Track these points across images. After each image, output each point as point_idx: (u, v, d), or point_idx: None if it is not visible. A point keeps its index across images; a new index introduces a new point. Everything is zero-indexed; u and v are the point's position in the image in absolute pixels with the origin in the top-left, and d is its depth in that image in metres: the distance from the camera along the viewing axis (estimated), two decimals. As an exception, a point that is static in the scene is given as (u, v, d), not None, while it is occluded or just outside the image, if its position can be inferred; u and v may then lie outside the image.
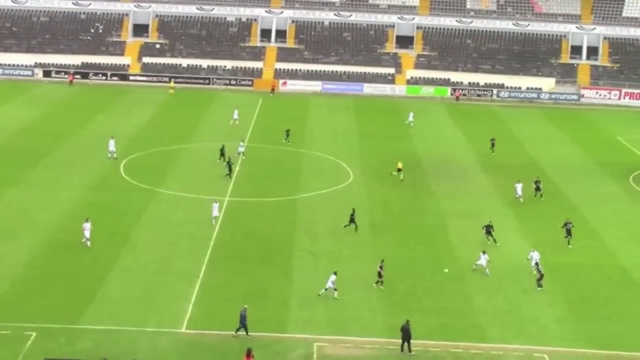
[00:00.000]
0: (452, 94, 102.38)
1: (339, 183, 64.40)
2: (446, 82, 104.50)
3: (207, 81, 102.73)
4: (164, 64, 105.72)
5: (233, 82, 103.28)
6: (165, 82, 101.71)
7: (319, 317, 41.88)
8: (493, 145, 75.58)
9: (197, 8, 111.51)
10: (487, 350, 39.54)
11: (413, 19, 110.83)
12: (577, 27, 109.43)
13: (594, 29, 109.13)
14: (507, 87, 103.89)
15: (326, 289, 43.94)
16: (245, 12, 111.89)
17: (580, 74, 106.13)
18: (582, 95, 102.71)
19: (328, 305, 43.25)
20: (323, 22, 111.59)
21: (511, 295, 45.37)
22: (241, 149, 69.65)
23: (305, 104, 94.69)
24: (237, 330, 39.35)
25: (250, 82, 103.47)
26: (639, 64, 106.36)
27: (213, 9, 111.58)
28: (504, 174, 68.52)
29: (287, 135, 75.38)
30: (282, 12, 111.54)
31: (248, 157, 69.48)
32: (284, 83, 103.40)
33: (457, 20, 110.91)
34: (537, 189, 61.73)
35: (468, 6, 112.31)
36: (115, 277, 45.31)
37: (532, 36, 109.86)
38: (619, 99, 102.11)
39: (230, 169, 63.82)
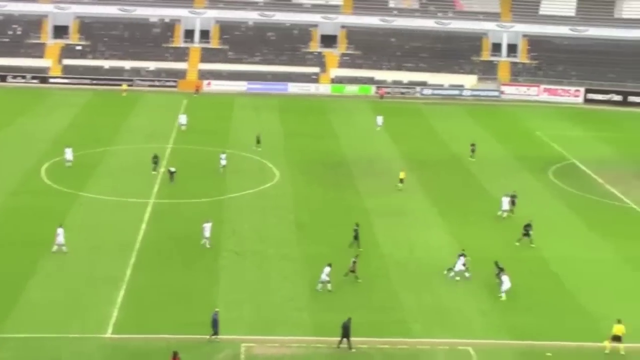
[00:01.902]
0: (376, 92, 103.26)
1: (264, 183, 64.41)
2: (370, 81, 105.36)
3: (130, 83, 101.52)
4: (85, 66, 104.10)
5: (157, 83, 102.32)
6: (86, 84, 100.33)
7: (245, 317, 41.86)
8: (473, 151, 73.93)
9: (119, 9, 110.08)
10: (413, 345, 40.06)
11: (337, 18, 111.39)
12: (497, 25, 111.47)
13: (513, 26, 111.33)
14: (430, 85, 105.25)
15: (322, 282, 44.28)
16: (168, 13, 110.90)
17: (500, 71, 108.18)
18: (503, 92, 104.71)
19: (255, 306, 43.28)
20: (247, 22, 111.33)
21: (436, 290, 46.03)
22: (223, 162, 66.43)
23: (230, 104, 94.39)
24: (213, 334, 39.20)
25: (174, 83, 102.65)
26: (557, 61, 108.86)
27: (135, 9, 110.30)
28: (428, 170, 69.47)
29: (258, 140, 74.26)
30: (205, 13, 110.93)
31: (174, 158, 68.81)
32: (209, 84, 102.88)
33: (380, 19, 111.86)
34: (512, 203, 59.25)
35: (391, 5, 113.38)
36: (38, 283, 44.50)
37: (453, 34, 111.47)
38: (538, 95, 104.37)
39: (171, 175, 62.93)
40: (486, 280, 47.33)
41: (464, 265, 47.46)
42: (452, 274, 47.40)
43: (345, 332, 39.18)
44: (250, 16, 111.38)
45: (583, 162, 74.36)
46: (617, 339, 39.78)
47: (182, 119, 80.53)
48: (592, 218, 59.01)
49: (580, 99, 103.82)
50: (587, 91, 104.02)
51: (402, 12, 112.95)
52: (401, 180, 64.10)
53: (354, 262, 46.44)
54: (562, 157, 76.36)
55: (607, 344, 40.01)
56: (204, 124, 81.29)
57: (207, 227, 50.67)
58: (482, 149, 76.10)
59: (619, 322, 40.21)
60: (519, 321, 42.85)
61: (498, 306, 44.31)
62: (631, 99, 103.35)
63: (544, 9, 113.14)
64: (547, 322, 42.95)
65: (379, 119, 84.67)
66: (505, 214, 58.45)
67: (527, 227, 53.53)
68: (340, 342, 39.30)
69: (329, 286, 44.67)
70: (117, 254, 48.88)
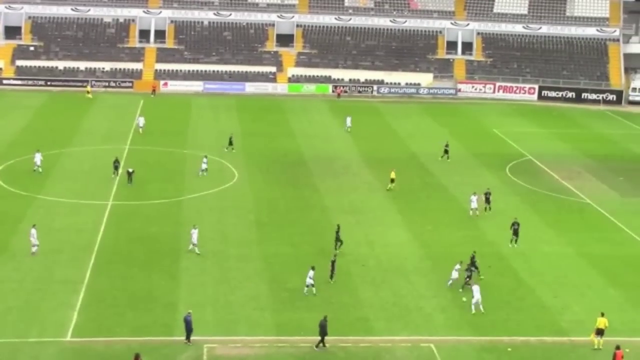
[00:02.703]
0: (333, 91, 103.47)
1: (224, 183, 64.18)
2: (327, 80, 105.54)
3: (85, 84, 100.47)
4: (39, 67, 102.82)
5: (113, 83, 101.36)
6: (40, 85, 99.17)
7: (207, 318, 41.67)
8: (447, 152, 73.31)
9: (72, 9, 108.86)
10: (375, 343, 40.22)
11: (293, 17, 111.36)
12: (451, 23, 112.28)
13: (468, 24, 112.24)
14: (387, 83, 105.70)
15: (307, 286, 44.00)
16: (122, 13, 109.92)
17: (456, 68, 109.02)
18: (459, 90, 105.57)
19: (216, 306, 43.13)
20: (202, 22, 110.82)
21: (396, 288, 46.25)
22: (204, 165, 65.44)
23: (187, 104, 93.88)
24: (187, 337, 38.93)
25: (130, 84, 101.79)
26: (511, 59, 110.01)
27: (89, 10, 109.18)
28: (386, 168, 69.71)
29: (230, 142, 73.64)
30: (160, 12, 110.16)
31: (131, 159, 68.18)
32: (165, 84, 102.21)
33: (336, 18, 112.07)
34: (487, 200, 59.82)
35: (346, 4, 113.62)
36: (-5, 288, 43.93)
37: (409, 33, 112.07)
38: (494, 92, 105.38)
39: (129, 176, 62.38)
40: (446, 277, 47.64)
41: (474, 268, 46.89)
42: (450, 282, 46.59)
43: (323, 331, 39.22)
44: (206, 16, 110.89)
45: (539, 159, 75.28)
46: (600, 332, 40.30)
47: (140, 121, 79.73)
48: (549, 214, 59.77)
49: (535, 96, 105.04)
50: (542, 88, 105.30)
51: (358, 11, 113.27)
52: (392, 180, 63.96)
53: (333, 262, 46.32)
54: (518, 153, 77.21)
55: (593, 338, 40.41)
56: (161, 125, 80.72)
57: (195, 233, 49.97)
58: (440, 147, 76.57)
59: (602, 315, 40.72)
60: (480, 317, 43.20)
61: (458, 302, 44.63)
62: (584, 95, 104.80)
63: (498, 7, 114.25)
64: (508, 317, 43.39)
65: (348, 120, 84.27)
66: (477, 212, 58.65)
67: (515, 224, 53.58)
68: (321, 342, 39.34)
69: (314, 290, 44.22)
70: (75, 257, 48.36)
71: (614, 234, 56.96)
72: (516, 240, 53.28)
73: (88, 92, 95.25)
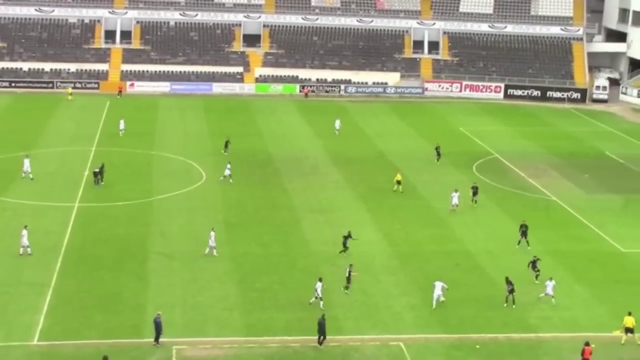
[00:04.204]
0: (300, 91, 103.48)
1: (192, 184, 63.96)
2: (294, 80, 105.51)
3: (50, 85, 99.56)
4: (3, 68, 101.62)
5: (78, 85, 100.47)
6: (4, 87, 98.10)
7: (176, 319, 41.50)
8: (439, 154, 72.67)
9: (36, 10, 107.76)
10: (345, 342, 40.30)
11: (259, 17, 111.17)
12: (418, 23, 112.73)
13: (434, 24, 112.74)
14: (354, 83, 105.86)
15: (315, 298, 43.37)
16: (87, 14, 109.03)
17: (423, 68, 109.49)
18: (426, 89, 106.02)
19: (185, 307, 42.99)
20: (169, 22, 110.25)
21: (365, 286, 46.35)
22: (228, 172, 64.41)
23: (154, 105, 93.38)
24: (156, 338, 38.73)
25: (96, 85, 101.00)
26: (477, 58, 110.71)
27: (53, 10, 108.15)
28: (354, 167, 69.98)
29: (226, 145, 72.99)
30: (126, 13, 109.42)
31: (99, 160, 67.52)
32: (132, 85, 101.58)
33: (303, 18, 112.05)
34: (474, 193, 60.52)
35: (313, 4, 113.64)
36: (-40, 292, 43.43)
37: (375, 32, 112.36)
38: (460, 91, 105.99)
39: (96, 178, 61.94)
40: (414, 275, 47.89)
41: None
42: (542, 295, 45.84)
43: (322, 329, 39.25)
44: (172, 16, 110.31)
45: (505, 157, 75.85)
46: (629, 330, 40.92)
47: (121, 123, 78.90)
48: (516, 211, 60.15)
49: (501, 95, 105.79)
50: (507, 87, 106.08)
51: (324, 10, 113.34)
52: (398, 182, 63.57)
53: (350, 272, 45.87)
54: (485, 151, 77.76)
55: (621, 334, 41.08)
56: (128, 126, 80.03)
57: (212, 235, 49.85)
58: (408, 145, 77.04)
59: (629, 314, 41.30)
60: (449, 315, 43.48)
61: (427, 301, 44.82)
62: (549, 94, 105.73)
63: (464, 7, 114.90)
64: (476, 315, 43.70)
65: (337, 123, 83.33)
66: (456, 209, 59.08)
67: (523, 226, 53.69)
68: (320, 339, 39.42)
69: (321, 304, 43.24)
70: (42, 260, 47.94)
71: (579, 230, 57.58)
72: (527, 242, 53.19)
73: (70, 94, 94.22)
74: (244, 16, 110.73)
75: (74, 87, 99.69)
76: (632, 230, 57.57)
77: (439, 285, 44.34)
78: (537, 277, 47.81)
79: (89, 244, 50.94)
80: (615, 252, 53.67)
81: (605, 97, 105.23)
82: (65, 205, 57.52)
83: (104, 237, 52.02)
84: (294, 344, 39.81)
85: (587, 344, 38.58)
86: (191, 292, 44.73)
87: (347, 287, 45.56)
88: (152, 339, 38.88)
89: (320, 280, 43.88)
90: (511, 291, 44.59)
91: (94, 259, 48.56)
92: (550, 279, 45.52)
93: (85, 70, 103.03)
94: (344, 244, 50.55)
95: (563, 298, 45.63)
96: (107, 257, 49.01)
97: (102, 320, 41.14)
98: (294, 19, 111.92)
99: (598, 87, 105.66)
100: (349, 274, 45.72)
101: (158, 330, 38.79)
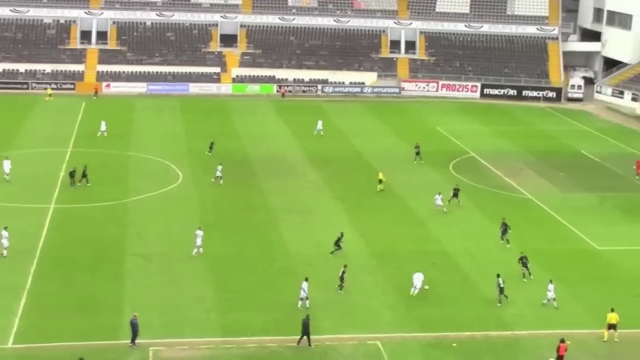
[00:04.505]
0: (277, 91, 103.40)
1: (168, 184, 63.75)
2: (271, 80, 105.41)
3: (25, 86, 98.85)
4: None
5: (54, 85, 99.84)
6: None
7: (153, 320, 41.36)
8: (418, 153, 72.93)
9: (11, 10, 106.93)
10: (322, 341, 40.34)
11: (236, 17, 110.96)
12: (394, 23, 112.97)
13: (411, 24, 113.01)
14: (331, 82, 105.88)
15: (302, 299, 43.33)
16: (63, 14, 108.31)
17: (399, 67, 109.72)
18: (403, 88, 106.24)
19: (162, 308, 42.87)
20: (145, 23, 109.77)
21: (344, 286, 46.31)
22: (219, 173, 64.22)
23: (131, 106, 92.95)
24: (132, 340, 38.57)
25: (72, 86, 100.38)
26: (453, 57, 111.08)
27: (28, 10, 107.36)
28: (332, 168, 70.01)
29: (211, 147, 72.65)
30: (102, 13, 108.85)
31: (74, 162, 67.15)
32: (108, 85, 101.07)
33: (279, 18, 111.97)
34: (455, 195, 60.77)
35: (290, 4, 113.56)
36: None
37: (352, 32, 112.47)
38: (437, 90, 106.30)
39: (73, 179, 61.64)
40: (392, 275, 48.00)
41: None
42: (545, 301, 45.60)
43: (305, 329, 39.27)
44: (148, 16, 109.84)
45: (482, 156, 76.19)
46: (612, 327, 41.22)
47: (102, 125, 78.34)
48: (492, 210, 60.44)
49: (477, 94, 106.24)
50: (484, 86, 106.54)
51: (301, 10, 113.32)
52: (380, 181, 63.94)
53: (343, 272, 45.94)
54: (461, 151, 78.06)
55: (605, 332, 41.30)
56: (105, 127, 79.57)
57: (200, 234, 49.72)
58: (385, 145, 77.13)
59: (612, 310, 41.50)
60: (426, 314, 43.65)
61: (404, 300, 44.99)
62: (525, 93, 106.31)
63: (440, 7, 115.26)
64: (453, 314, 43.90)
65: (319, 124, 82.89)
66: (445, 209, 59.25)
67: (503, 225, 54.02)
68: (301, 339, 39.45)
69: (307, 303, 43.45)
70: (17, 262, 47.60)
71: (555, 229, 57.96)
72: (507, 241, 53.59)
73: (49, 95, 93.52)
74: (221, 16, 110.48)
75: (49, 88, 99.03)
76: (607, 229, 58.02)
77: (418, 277, 45.00)
78: (524, 275, 48.20)
79: (65, 245, 50.65)
80: (590, 250, 54.10)
81: (581, 95, 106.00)
82: (40, 207, 57.18)
83: (80, 239, 51.74)
84: (271, 344, 39.82)
85: (562, 340, 38.88)
86: (168, 294, 44.61)
87: (340, 287, 45.67)
88: (129, 341, 38.73)
89: (306, 280, 43.92)
90: (501, 290, 44.83)
91: (70, 261, 48.31)
92: (550, 281, 45.66)
93: (61, 71, 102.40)
94: (337, 244, 50.63)
95: (539, 296, 45.81)
96: (83, 258, 48.77)
97: (78, 322, 40.95)
98: (270, 19, 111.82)
99: (573, 86, 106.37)
100: (342, 274, 45.79)
101: (134, 331, 38.66)
